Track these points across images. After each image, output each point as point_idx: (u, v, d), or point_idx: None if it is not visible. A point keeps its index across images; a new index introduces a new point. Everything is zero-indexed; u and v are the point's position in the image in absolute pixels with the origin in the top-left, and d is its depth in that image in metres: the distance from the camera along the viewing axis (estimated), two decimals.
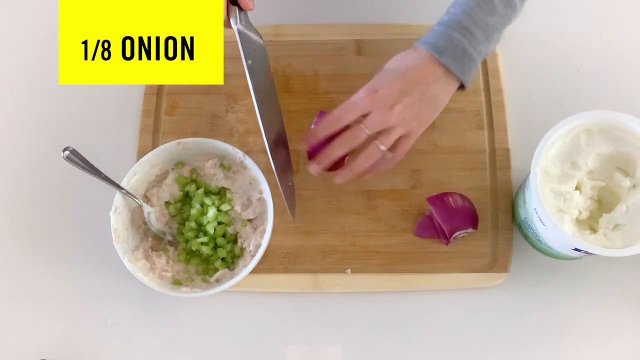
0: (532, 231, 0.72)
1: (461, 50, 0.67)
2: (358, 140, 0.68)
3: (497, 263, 0.75)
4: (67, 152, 0.69)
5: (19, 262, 0.79)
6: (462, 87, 0.70)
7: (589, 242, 0.64)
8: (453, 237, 0.75)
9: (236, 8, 0.71)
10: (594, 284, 0.76)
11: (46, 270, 0.78)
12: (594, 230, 0.66)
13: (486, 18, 0.68)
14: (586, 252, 0.65)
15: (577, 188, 0.67)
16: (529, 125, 0.78)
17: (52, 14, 0.89)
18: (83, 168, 0.69)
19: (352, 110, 0.67)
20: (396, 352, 0.74)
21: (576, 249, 0.65)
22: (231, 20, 0.71)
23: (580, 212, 0.66)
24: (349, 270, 0.76)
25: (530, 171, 0.65)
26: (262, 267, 0.75)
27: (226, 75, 0.83)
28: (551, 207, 0.65)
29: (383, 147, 0.68)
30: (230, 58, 0.84)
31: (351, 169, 0.70)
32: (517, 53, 0.85)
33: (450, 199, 0.75)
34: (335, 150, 0.68)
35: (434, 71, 0.68)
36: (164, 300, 0.75)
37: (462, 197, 0.76)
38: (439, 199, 0.75)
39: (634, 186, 0.66)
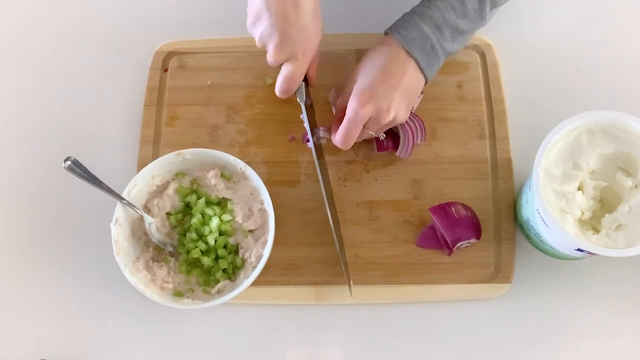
0: (534, 232, 0.73)
1: (430, 46, 0.74)
2: (364, 137, 0.77)
3: (500, 274, 0.77)
4: (68, 162, 0.70)
5: (20, 264, 0.81)
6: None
7: (592, 243, 0.65)
8: (456, 247, 0.76)
9: (303, 84, 0.78)
10: (597, 284, 0.77)
11: (47, 272, 0.80)
12: (596, 230, 0.68)
13: (457, 20, 0.74)
14: (589, 253, 0.66)
15: (579, 188, 0.68)
16: (530, 125, 0.80)
17: (57, 23, 0.93)
18: (84, 178, 0.71)
19: (357, 125, 0.73)
20: None
21: (579, 250, 0.66)
22: (298, 96, 0.79)
23: (582, 213, 0.68)
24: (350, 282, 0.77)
25: (532, 172, 0.67)
26: (264, 279, 0.76)
27: (226, 86, 0.87)
28: (553, 207, 0.67)
29: (373, 133, 0.76)
30: (231, 69, 0.88)
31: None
32: (517, 54, 0.88)
33: (453, 209, 0.77)
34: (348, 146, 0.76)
35: (407, 62, 0.74)
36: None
37: (465, 207, 0.78)
38: (442, 209, 0.77)
39: (636, 186, 0.67)
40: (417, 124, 0.81)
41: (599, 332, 0.75)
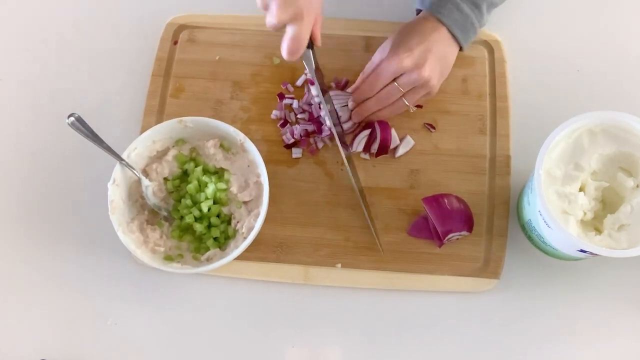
0: (536, 233, 0.77)
1: (470, 23, 0.84)
2: (394, 98, 0.84)
3: (488, 268, 0.81)
4: (72, 119, 0.76)
5: (18, 262, 0.84)
6: (460, 49, 0.87)
7: (594, 243, 0.68)
8: (447, 239, 0.80)
9: (311, 52, 0.79)
10: (599, 285, 0.81)
11: (46, 270, 0.84)
12: (598, 231, 0.71)
13: None
14: (591, 253, 0.69)
15: (581, 189, 0.72)
16: (530, 126, 0.84)
17: None
18: (86, 135, 0.76)
19: (388, 74, 0.82)
20: (382, 351, 0.79)
21: (581, 250, 0.70)
22: (306, 64, 0.80)
23: (584, 214, 0.71)
24: (339, 265, 0.82)
25: (533, 173, 0.70)
26: (254, 255, 0.81)
27: (234, 62, 0.92)
28: (556, 209, 0.70)
29: (408, 103, 0.84)
30: (239, 46, 0.93)
31: (376, 115, 0.86)
32: (521, 53, 0.92)
33: (446, 201, 0.80)
34: (374, 106, 0.85)
35: (444, 35, 0.84)
36: (164, 301, 0.81)
37: (458, 199, 0.82)
38: (435, 200, 0.81)
39: (637, 186, 0.70)
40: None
41: (601, 332, 0.79)
